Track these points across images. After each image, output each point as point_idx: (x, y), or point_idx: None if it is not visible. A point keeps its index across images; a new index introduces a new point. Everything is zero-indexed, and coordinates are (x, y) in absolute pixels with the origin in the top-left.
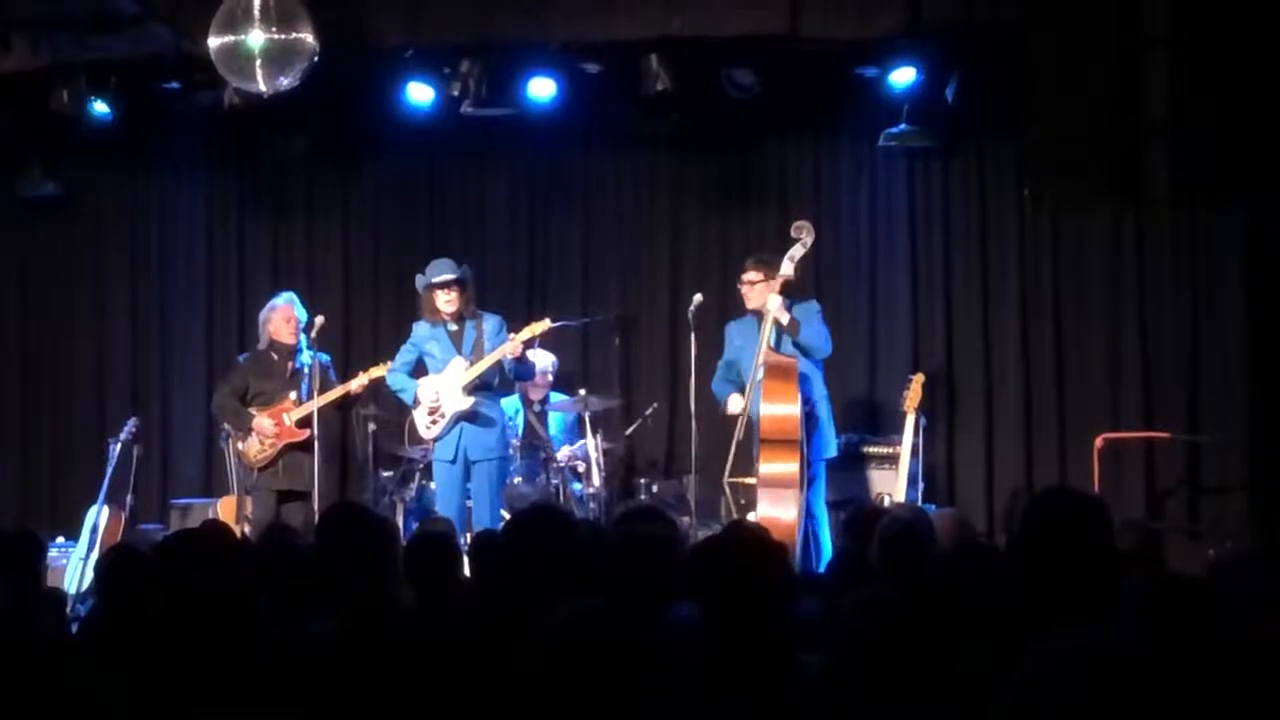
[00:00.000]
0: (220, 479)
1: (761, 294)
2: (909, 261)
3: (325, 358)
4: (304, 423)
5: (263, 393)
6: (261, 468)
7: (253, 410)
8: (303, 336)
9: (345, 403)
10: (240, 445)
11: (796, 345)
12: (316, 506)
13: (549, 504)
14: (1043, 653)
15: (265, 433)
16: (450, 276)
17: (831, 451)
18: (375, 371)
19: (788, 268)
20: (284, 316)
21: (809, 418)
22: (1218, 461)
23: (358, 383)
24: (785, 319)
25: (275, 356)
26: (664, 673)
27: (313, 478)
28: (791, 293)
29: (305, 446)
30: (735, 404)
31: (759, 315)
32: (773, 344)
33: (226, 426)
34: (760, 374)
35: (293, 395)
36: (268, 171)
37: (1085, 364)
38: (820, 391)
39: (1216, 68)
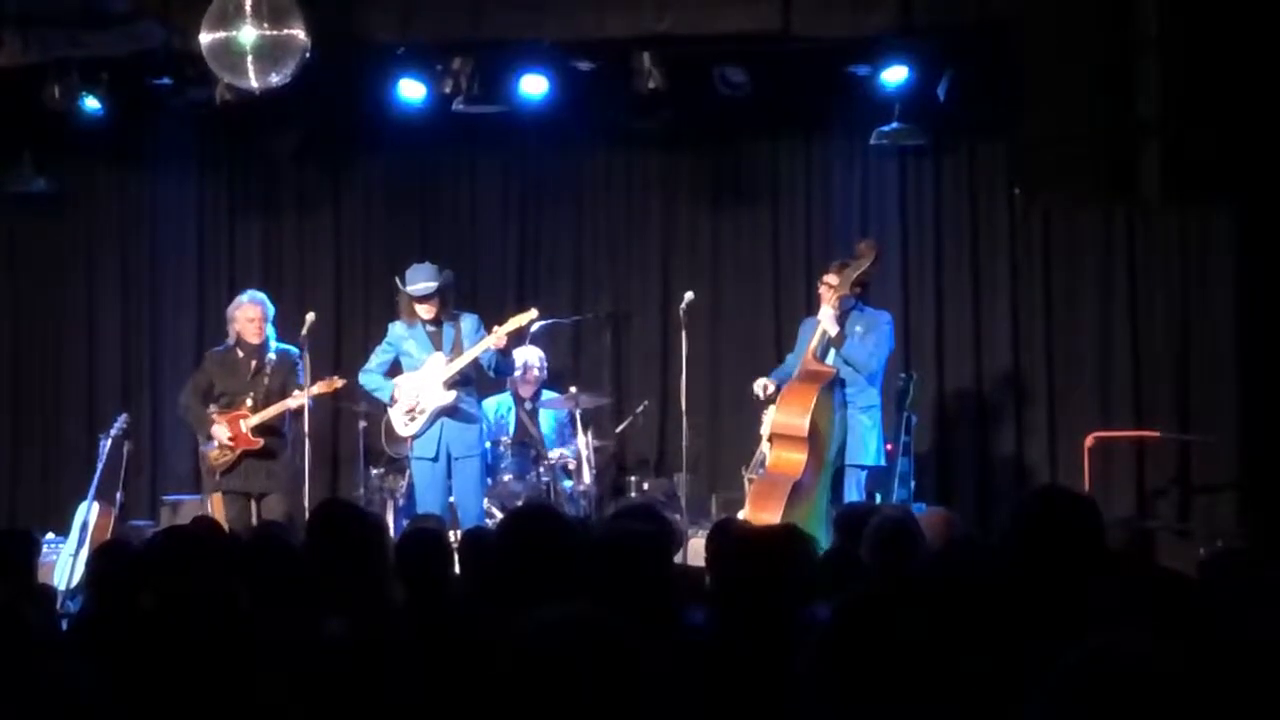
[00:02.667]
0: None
1: (831, 298)
2: (900, 259)
3: (295, 351)
4: (260, 430)
5: (226, 393)
6: (223, 472)
7: (213, 413)
8: (270, 330)
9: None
10: (202, 448)
11: (842, 358)
12: (307, 504)
13: (542, 502)
14: (1067, 661)
15: (222, 439)
16: (427, 290)
17: (869, 459)
18: (319, 388)
19: (844, 283)
20: (248, 316)
21: (841, 422)
22: (1208, 460)
23: (296, 401)
24: (833, 331)
25: (240, 354)
26: (662, 675)
27: (273, 481)
28: (870, 300)
29: (263, 453)
30: (757, 385)
31: None
32: (819, 352)
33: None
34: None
35: (250, 401)
36: (259, 167)
37: (1076, 362)
38: (866, 400)
39: (1208, 70)
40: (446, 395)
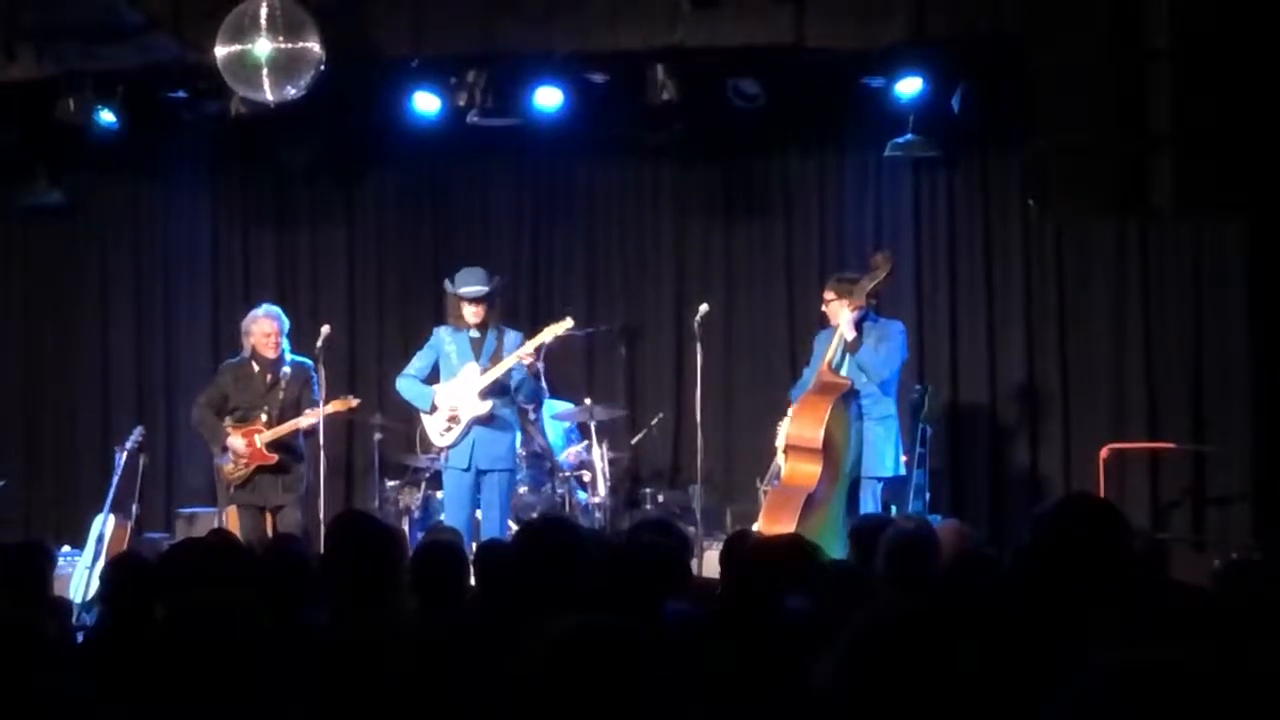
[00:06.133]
0: None
1: (836, 311)
2: (913, 271)
3: (310, 364)
4: (274, 446)
5: (240, 407)
6: (238, 485)
7: (228, 427)
8: (286, 344)
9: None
10: (216, 461)
11: (857, 364)
12: (322, 516)
13: (559, 515)
14: (1085, 673)
15: (238, 452)
16: (478, 291)
17: (886, 470)
18: (334, 407)
19: (859, 293)
20: (263, 330)
21: (858, 434)
22: (1222, 472)
23: (309, 421)
24: (850, 335)
25: (256, 368)
26: (665, 683)
27: (288, 494)
28: (881, 310)
29: (276, 467)
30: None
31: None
32: (835, 362)
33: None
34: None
35: (264, 416)
36: (273, 181)
37: (1090, 374)
38: (882, 410)
39: (1220, 79)
40: (482, 405)
